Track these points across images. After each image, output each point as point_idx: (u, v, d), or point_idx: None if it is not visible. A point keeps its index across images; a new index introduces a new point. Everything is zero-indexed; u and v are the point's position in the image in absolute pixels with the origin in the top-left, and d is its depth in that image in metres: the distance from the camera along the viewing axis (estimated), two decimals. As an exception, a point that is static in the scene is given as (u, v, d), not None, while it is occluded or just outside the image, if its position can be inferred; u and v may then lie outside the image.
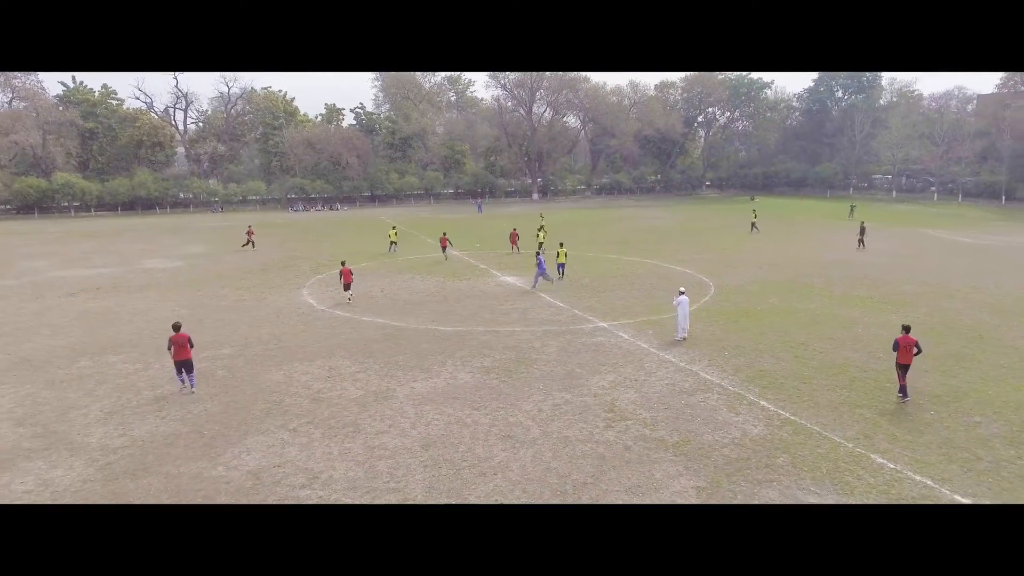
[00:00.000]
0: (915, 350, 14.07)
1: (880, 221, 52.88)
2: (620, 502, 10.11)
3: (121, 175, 66.99)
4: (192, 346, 14.98)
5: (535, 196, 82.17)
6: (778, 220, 54.37)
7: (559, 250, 28.59)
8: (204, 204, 69.59)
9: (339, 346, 18.66)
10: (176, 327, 15.01)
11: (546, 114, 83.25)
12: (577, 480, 10.78)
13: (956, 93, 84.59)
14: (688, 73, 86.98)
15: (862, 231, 38.22)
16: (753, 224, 45.76)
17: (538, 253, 27.77)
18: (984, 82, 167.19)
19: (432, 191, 78.72)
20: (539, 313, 22.37)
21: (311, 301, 24.67)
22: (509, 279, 28.74)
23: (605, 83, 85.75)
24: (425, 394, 14.80)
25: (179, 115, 75.23)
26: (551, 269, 27.63)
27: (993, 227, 48.68)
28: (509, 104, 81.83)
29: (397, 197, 76.72)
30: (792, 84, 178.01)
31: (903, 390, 14.15)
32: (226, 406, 14.22)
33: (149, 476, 11.09)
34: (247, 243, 39.26)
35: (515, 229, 40.04)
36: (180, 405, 14.32)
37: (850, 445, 11.99)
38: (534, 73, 76.75)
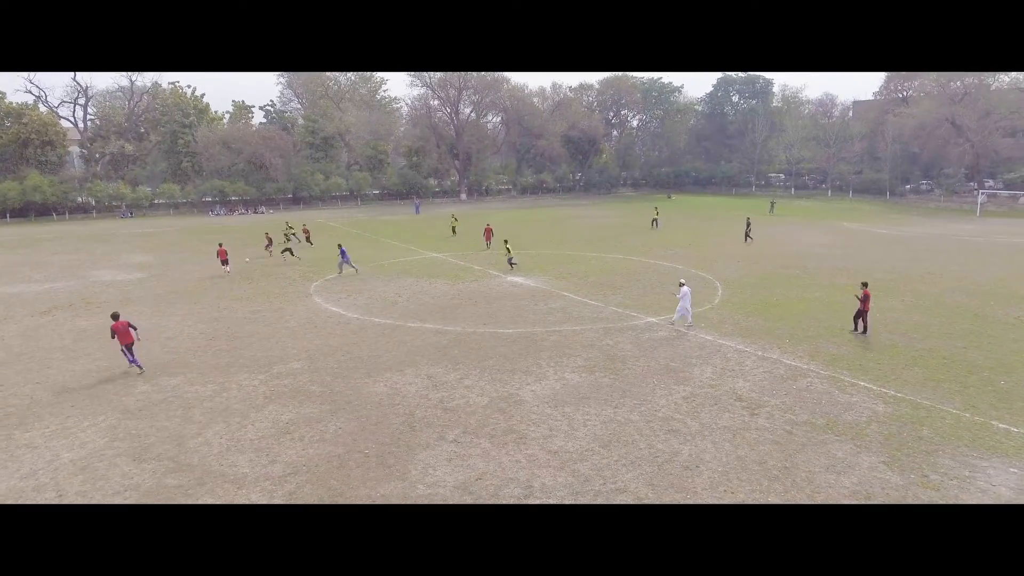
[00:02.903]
0: (870, 301, 19.43)
1: (797, 216, 58.08)
2: (827, 483, 10.84)
3: (7, 177, 59.17)
4: (135, 328, 16.61)
5: (463, 196, 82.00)
6: (708, 217, 58.06)
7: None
8: (108, 209, 63.10)
9: (415, 354, 18.07)
10: (115, 316, 16.67)
11: (472, 114, 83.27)
12: (776, 465, 11.42)
13: (826, 100, 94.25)
14: (605, 75, 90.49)
15: (748, 226, 41.07)
16: (655, 220, 49.04)
17: (340, 245, 31.14)
18: (858, 89, 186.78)
19: (360, 192, 76.34)
20: (580, 311, 22.78)
21: (335, 308, 23.50)
22: (517, 279, 28.85)
23: (527, 84, 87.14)
24: (552, 396, 14.81)
25: (72, 111, 67.59)
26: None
27: (892, 220, 54.86)
28: (435, 103, 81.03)
29: (323, 199, 73.68)
30: (695, 89, 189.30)
31: (866, 328, 19.34)
32: (360, 423, 13.48)
33: (352, 502, 10.40)
34: (307, 239, 40.08)
35: (488, 225, 40.48)
36: (307, 425, 13.39)
37: (967, 415, 13.52)
38: (459, 73, 76.56)
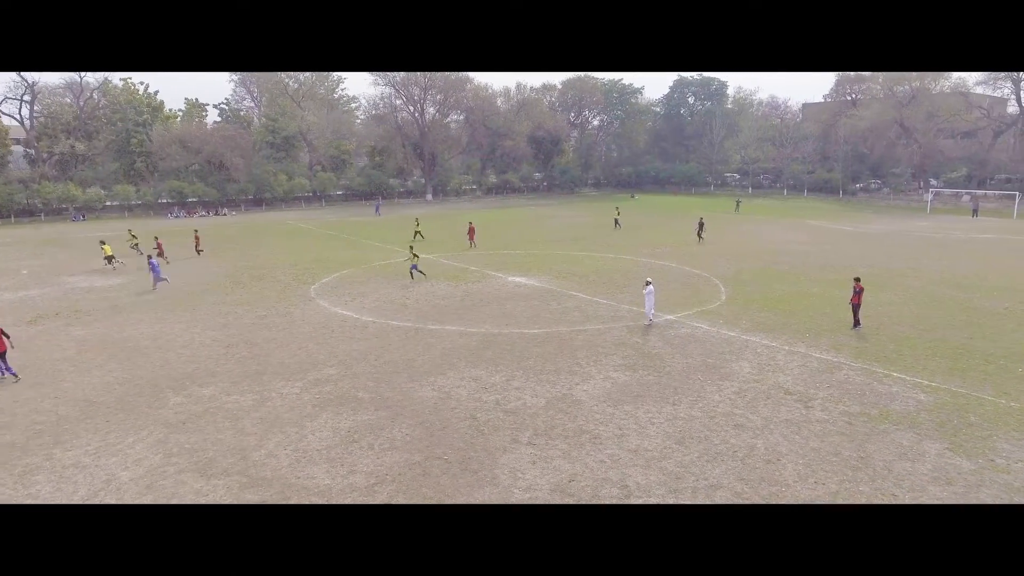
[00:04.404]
0: (861, 295, 20.24)
1: (761, 214, 60.03)
2: (905, 471, 11.27)
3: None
4: (8, 337, 16.30)
5: (429, 196, 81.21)
6: (679, 216, 59.32)
7: (411, 253, 29.18)
8: (56, 212, 59.56)
9: (449, 356, 17.80)
10: None
11: (436, 114, 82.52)
12: (852, 455, 11.79)
13: (773, 102, 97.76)
14: (568, 75, 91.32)
15: (700, 226, 40.94)
16: (616, 220, 49.05)
17: (150, 257, 28.68)
18: (806, 92, 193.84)
19: (324, 193, 74.59)
20: (596, 311, 22.93)
21: (346, 312, 22.90)
22: (519, 279, 28.78)
23: (491, 84, 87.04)
24: (606, 395, 14.86)
25: (18, 108, 63.47)
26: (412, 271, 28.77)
27: (851, 217, 57.30)
28: (399, 103, 79.94)
29: (286, 200, 71.61)
30: (655, 90, 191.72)
31: (858, 322, 20.19)
32: (425, 428, 13.19)
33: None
34: (196, 246, 37.05)
35: (472, 223, 40.35)
36: (371, 432, 13.01)
37: (1003, 401, 14.29)
38: (424, 72, 75.72)
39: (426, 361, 17.48)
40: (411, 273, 28.56)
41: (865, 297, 23.19)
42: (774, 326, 20.60)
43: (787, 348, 18.32)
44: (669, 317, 21.86)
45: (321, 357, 17.93)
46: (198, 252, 36.63)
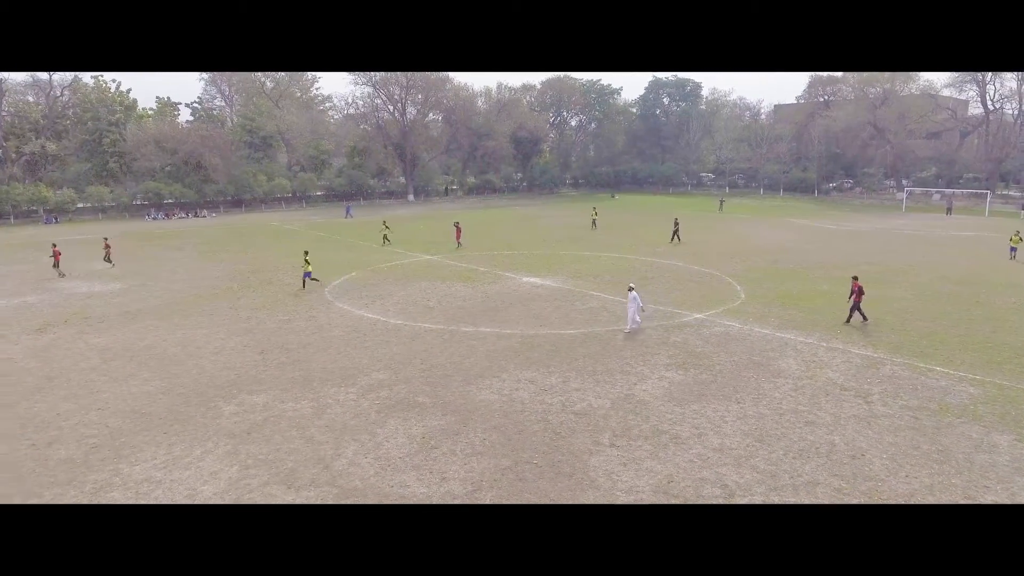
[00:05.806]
0: (862, 293, 20.57)
1: (745, 213, 61.20)
2: (986, 463, 11.58)
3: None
4: None
5: (411, 197, 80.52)
6: (666, 216, 60.06)
7: (305, 259, 27.40)
8: (26, 215, 57.09)
9: (495, 359, 17.62)
10: None
11: (417, 114, 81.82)
12: (931, 449, 12.06)
13: (742, 103, 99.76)
14: (547, 75, 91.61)
15: (676, 226, 40.51)
16: (594, 221, 48.82)
17: None
18: (779, 94, 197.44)
19: (305, 194, 73.26)
20: (624, 311, 22.82)
21: (372, 315, 22.48)
22: (533, 280, 28.70)
23: (472, 84, 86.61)
24: (668, 395, 14.90)
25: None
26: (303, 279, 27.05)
27: (832, 216, 58.85)
28: (378, 102, 78.98)
29: (265, 201, 70.12)
30: (631, 92, 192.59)
31: (863, 316, 20.60)
32: (501, 432, 13.01)
33: (562, 513, 10.04)
34: (107, 256, 34.17)
35: (457, 223, 40.27)
36: (447, 438, 12.77)
37: (1048, 393, 14.84)
38: (405, 72, 74.96)
39: (474, 364, 17.27)
40: (303, 281, 26.82)
41: (879, 294, 23.99)
42: (803, 323, 20.97)
43: (825, 345, 18.67)
44: (698, 316, 22.07)
45: (364, 362, 17.55)
46: (107, 261, 33.69)
